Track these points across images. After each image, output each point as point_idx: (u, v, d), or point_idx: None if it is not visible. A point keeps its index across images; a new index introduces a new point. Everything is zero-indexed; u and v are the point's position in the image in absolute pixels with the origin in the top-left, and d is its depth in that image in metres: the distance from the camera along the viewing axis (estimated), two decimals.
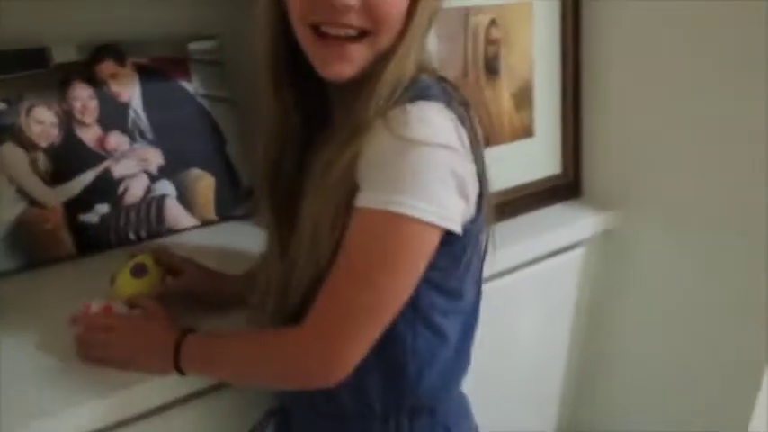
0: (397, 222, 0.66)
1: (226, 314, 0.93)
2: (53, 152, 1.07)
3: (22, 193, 1.05)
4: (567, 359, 1.52)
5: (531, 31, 1.33)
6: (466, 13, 1.21)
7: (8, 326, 0.90)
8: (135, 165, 1.15)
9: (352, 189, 0.69)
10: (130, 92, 1.15)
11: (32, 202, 1.06)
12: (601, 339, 1.51)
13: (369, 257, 0.69)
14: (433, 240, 0.69)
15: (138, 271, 0.90)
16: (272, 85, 0.78)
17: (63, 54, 1.09)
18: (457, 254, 0.75)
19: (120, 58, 1.14)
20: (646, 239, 1.39)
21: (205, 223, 1.23)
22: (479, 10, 1.24)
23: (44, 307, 0.96)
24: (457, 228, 0.70)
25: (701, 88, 1.23)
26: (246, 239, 1.17)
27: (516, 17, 1.30)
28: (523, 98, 1.34)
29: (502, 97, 1.30)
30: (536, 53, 1.34)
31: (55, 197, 1.07)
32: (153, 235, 1.17)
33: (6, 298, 0.98)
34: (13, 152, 1.04)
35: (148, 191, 1.17)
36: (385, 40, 0.72)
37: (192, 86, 1.22)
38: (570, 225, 1.35)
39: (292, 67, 0.77)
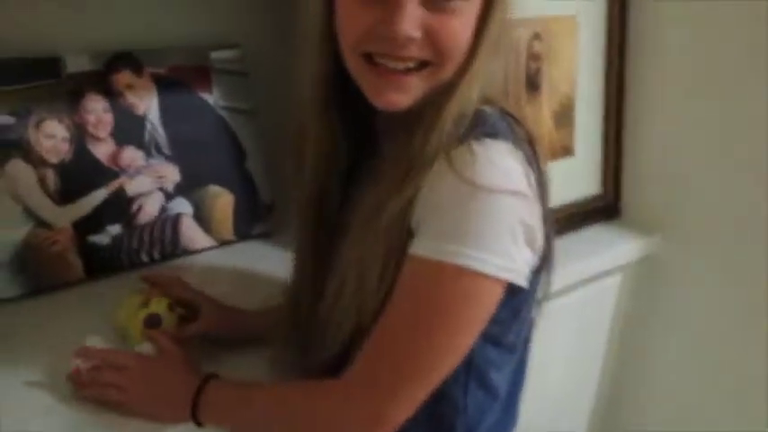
0: (458, 275, 0.60)
1: (244, 353, 0.86)
2: (63, 169, 1.00)
3: (28, 212, 0.97)
4: (597, 385, 1.45)
5: (575, 45, 1.24)
6: None
7: (11, 357, 0.84)
8: (150, 182, 1.08)
9: (406, 233, 0.63)
10: (147, 104, 1.07)
11: (40, 222, 0.98)
12: (633, 367, 1.44)
13: (425, 312, 0.62)
14: (497, 294, 0.63)
15: (152, 322, 0.83)
16: (320, 108, 0.72)
17: (76, 63, 1.01)
18: (518, 306, 0.68)
19: (137, 68, 1.06)
20: (686, 267, 1.32)
21: (222, 243, 1.15)
22: (521, 23, 1.15)
23: (51, 336, 0.89)
24: (523, 281, 0.64)
25: (751, 111, 1.16)
26: (266, 261, 1.12)
27: (560, 31, 1.21)
28: (564, 116, 1.26)
29: (542, 115, 1.22)
30: (579, 69, 1.26)
31: (64, 217, 1.00)
32: (167, 256, 1.09)
33: (11, 326, 0.91)
34: (21, 169, 0.96)
35: (163, 209, 1.09)
36: (448, 71, 0.65)
37: (212, 98, 1.14)
38: (608, 250, 1.28)
39: (340, 90, 0.70)
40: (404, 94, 0.65)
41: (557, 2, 1.20)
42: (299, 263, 0.80)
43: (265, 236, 1.20)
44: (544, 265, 0.69)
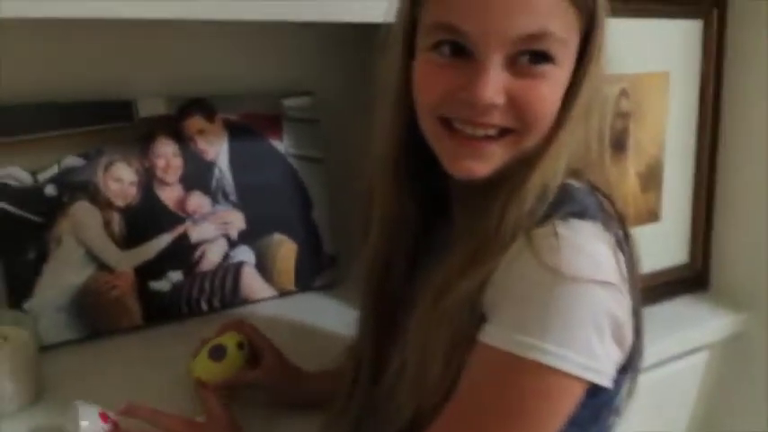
0: (536, 371, 0.53)
1: (295, 417, 0.82)
2: (129, 213, 0.99)
3: (91, 255, 0.96)
4: None
5: (667, 104, 1.16)
6: None
7: (66, 401, 0.80)
8: (214, 228, 1.06)
9: (477, 318, 0.57)
10: (217, 149, 1.06)
11: (101, 265, 0.97)
12: None
13: (497, 408, 0.56)
14: (577, 394, 0.56)
15: (216, 353, 0.81)
16: (390, 170, 0.67)
17: (149, 107, 1.00)
18: (600, 407, 0.61)
19: (209, 114, 1.05)
20: None
21: (283, 294, 1.12)
22: (609, 79, 1.08)
23: (105, 382, 0.87)
24: (606, 381, 0.57)
25: None
26: (326, 314, 1.07)
27: (651, 88, 1.14)
28: (651, 178, 1.17)
29: (627, 176, 1.14)
30: (668, 128, 1.18)
31: (126, 262, 0.98)
32: (227, 305, 1.06)
33: (67, 370, 0.89)
34: (87, 211, 0.96)
35: (226, 257, 1.07)
36: (532, 139, 0.59)
37: (282, 145, 1.11)
38: (694, 325, 1.19)
39: (414, 153, 0.66)
40: (482, 163, 0.59)
41: (648, 57, 1.13)
42: (362, 332, 0.75)
43: (327, 288, 1.16)
44: (632, 362, 0.61)
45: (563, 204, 0.57)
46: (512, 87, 0.57)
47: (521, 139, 0.59)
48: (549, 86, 0.58)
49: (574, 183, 0.60)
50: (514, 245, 0.56)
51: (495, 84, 0.56)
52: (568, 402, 0.56)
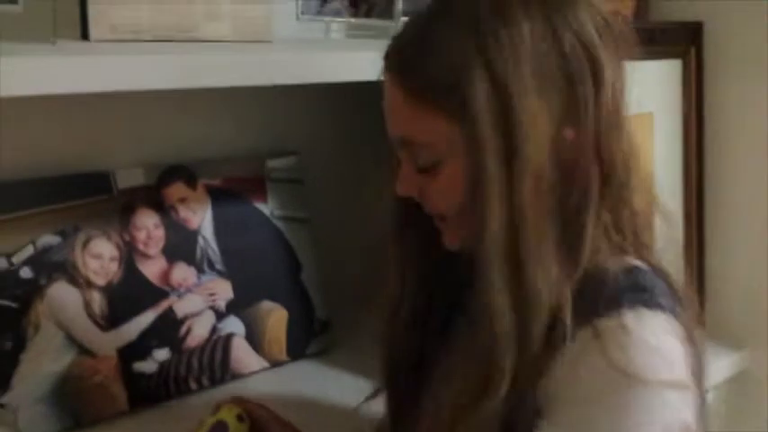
0: None
1: None
2: (110, 291, 0.92)
3: (71, 340, 0.89)
4: None
5: (652, 144, 1.16)
6: None
7: None
8: (201, 300, 1.00)
9: (528, 411, 0.53)
10: (201, 217, 1.01)
11: (83, 350, 0.90)
12: None
13: None
14: None
15: (219, 431, 0.75)
16: (398, 252, 0.67)
17: (128, 178, 0.95)
18: None
19: (190, 181, 1.00)
20: None
21: (275, 364, 1.06)
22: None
23: None
24: None
25: None
26: (321, 383, 1.02)
27: (636, 130, 1.13)
28: None
29: None
30: (656, 169, 1.17)
31: (109, 344, 0.92)
32: (216, 382, 1.00)
33: None
34: (65, 293, 0.89)
35: (214, 330, 1.01)
36: (467, 223, 0.57)
37: (267, 208, 1.07)
38: None
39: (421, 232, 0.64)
40: (447, 237, 0.62)
41: (632, 99, 1.13)
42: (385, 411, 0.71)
43: (321, 354, 1.10)
44: None
45: (631, 290, 0.54)
46: (419, 183, 0.60)
47: (457, 222, 0.59)
48: (443, 179, 0.58)
49: (640, 264, 0.57)
50: (579, 335, 0.52)
51: (403, 180, 0.61)
52: None
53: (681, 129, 1.20)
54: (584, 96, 0.54)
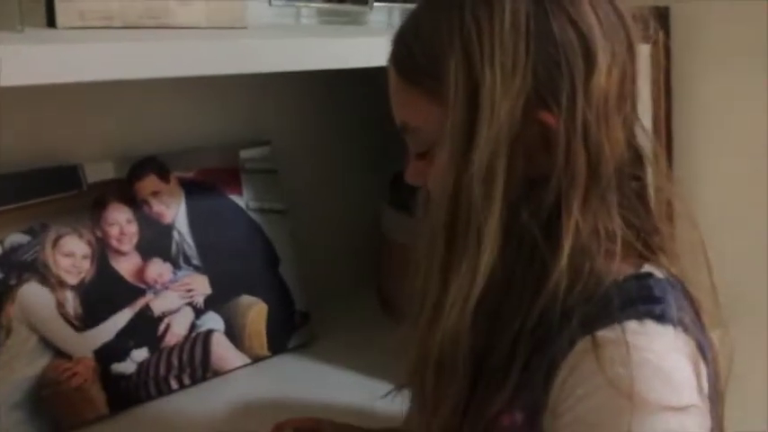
0: None
1: None
2: (84, 290, 0.89)
3: (45, 343, 0.86)
4: None
5: None
6: None
7: None
8: (178, 297, 0.97)
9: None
10: (175, 211, 0.98)
11: (58, 352, 0.86)
12: None
13: None
14: None
15: None
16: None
17: (98, 172, 0.91)
18: None
19: (163, 173, 0.97)
20: None
21: (256, 359, 1.04)
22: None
23: None
24: None
25: None
26: (305, 377, 1.00)
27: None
28: None
29: None
30: None
31: (85, 345, 0.88)
32: (197, 380, 0.97)
33: None
34: (37, 294, 0.85)
35: (193, 327, 0.98)
36: None
37: (242, 200, 1.04)
38: None
39: None
40: None
41: None
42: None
43: (302, 348, 1.08)
44: None
45: (640, 300, 0.50)
46: (423, 170, 0.59)
47: None
48: (436, 165, 0.56)
49: (654, 271, 0.53)
50: (579, 344, 0.49)
51: (411, 168, 0.60)
52: None
53: (651, 113, 1.21)
54: (571, 82, 0.51)
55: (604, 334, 0.48)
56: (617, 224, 0.52)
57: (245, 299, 1.03)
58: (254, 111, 1.10)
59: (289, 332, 1.07)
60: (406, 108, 0.58)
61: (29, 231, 0.86)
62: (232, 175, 1.04)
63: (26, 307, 0.84)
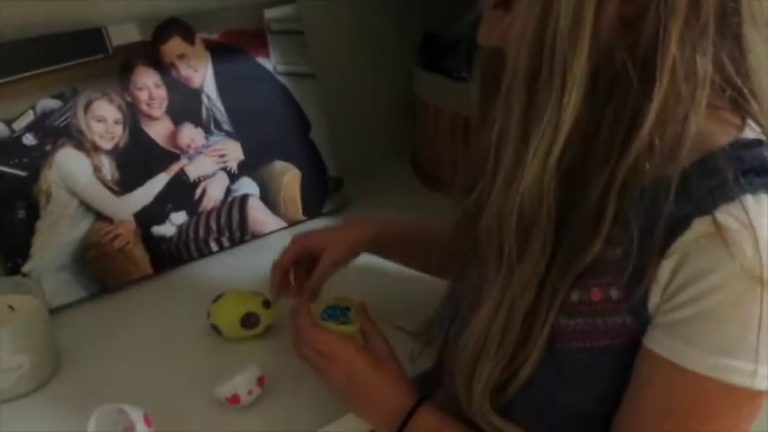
0: (726, 391, 0.47)
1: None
2: (119, 155, 0.89)
3: (86, 206, 0.87)
4: None
5: None
6: None
7: (82, 367, 0.76)
8: (212, 162, 0.97)
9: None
10: (202, 75, 0.96)
11: (99, 216, 0.88)
12: None
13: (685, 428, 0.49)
14: (760, 407, 0.50)
15: (251, 323, 0.78)
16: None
17: (122, 34, 0.89)
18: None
19: (187, 35, 0.94)
20: None
21: (292, 224, 1.05)
22: None
23: (122, 342, 0.81)
24: None
25: None
26: None
27: None
28: None
29: None
30: None
31: (125, 208, 0.90)
32: (236, 242, 0.99)
33: (77, 333, 0.81)
34: (73, 158, 0.86)
35: (228, 192, 0.99)
36: None
37: (270, 63, 1.02)
38: None
39: None
40: None
41: None
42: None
43: (336, 213, 1.09)
44: None
45: (754, 172, 0.46)
46: (498, 26, 0.51)
47: None
48: (519, 22, 0.48)
49: (762, 137, 0.49)
50: (695, 225, 0.46)
51: (485, 22, 0.53)
52: (752, 417, 0.50)
53: None
54: None
55: (726, 214, 0.45)
56: (714, 66, 0.48)
57: (279, 164, 1.03)
58: None
59: (322, 197, 1.08)
60: None
61: (59, 96, 0.85)
62: (258, 37, 1.01)
63: (64, 172, 0.85)
